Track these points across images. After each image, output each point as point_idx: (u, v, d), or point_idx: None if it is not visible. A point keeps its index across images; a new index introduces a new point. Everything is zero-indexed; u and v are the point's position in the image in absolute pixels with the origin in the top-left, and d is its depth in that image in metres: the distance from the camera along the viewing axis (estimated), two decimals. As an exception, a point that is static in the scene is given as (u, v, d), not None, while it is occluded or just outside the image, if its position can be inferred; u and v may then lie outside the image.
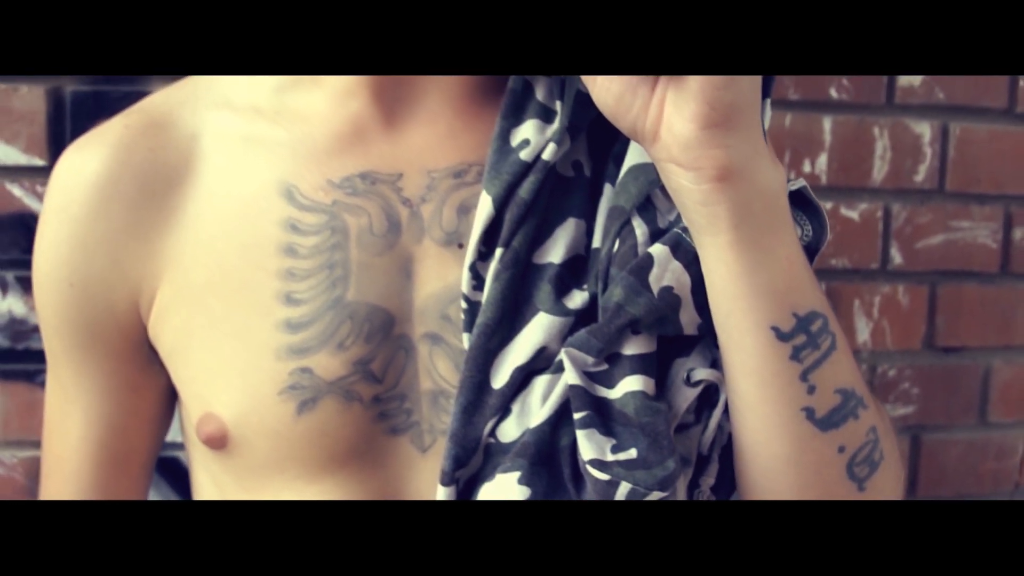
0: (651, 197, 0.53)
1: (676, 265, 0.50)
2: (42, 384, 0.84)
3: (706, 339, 0.53)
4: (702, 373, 0.52)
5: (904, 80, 1.03)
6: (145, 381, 0.61)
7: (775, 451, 0.51)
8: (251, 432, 0.54)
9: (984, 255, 1.10)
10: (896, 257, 1.08)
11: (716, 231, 0.46)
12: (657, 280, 0.49)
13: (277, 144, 0.56)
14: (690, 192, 0.45)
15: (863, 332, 1.07)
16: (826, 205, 1.03)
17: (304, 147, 0.56)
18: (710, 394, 0.53)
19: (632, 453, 0.48)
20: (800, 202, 0.55)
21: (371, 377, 0.54)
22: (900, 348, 1.09)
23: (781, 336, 0.47)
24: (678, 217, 0.53)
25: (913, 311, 1.09)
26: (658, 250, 0.50)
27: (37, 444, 0.84)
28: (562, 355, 0.50)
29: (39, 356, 0.83)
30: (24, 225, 0.83)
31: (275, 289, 0.54)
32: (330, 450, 0.54)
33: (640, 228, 0.52)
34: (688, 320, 0.51)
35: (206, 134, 0.58)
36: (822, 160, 1.02)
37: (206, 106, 0.59)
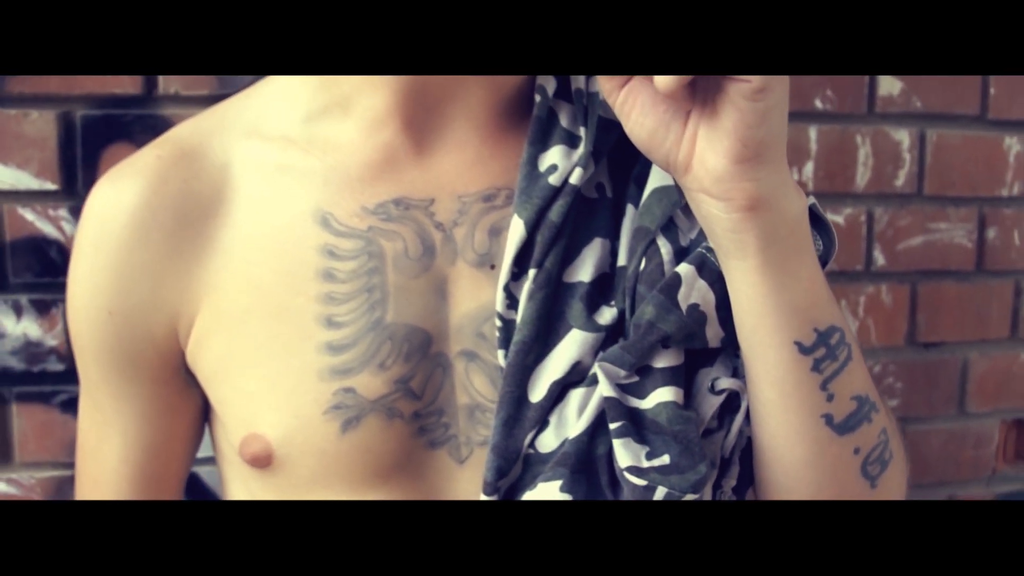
0: (673, 217, 0.56)
1: (702, 284, 0.53)
2: (59, 405, 0.85)
3: (728, 350, 0.56)
4: (725, 382, 0.55)
5: (884, 89, 1.06)
6: (181, 404, 0.63)
7: (796, 454, 0.54)
8: (296, 451, 0.56)
9: (960, 254, 1.14)
10: (879, 259, 1.12)
11: (744, 255, 0.49)
12: (685, 298, 0.52)
13: (310, 173, 0.58)
14: (720, 220, 0.48)
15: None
16: (812, 210, 1.07)
17: (337, 175, 0.57)
18: (732, 401, 0.57)
19: (665, 459, 0.51)
20: (811, 218, 0.58)
21: (411, 394, 0.56)
22: (884, 345, 1.13)
23: (803, 350, 0.51)
24: (699, 235, 0.56)
25: (896, 309, 1.13)
26: (685, 270, 0.53)
27: (55, 464, 0.86)
28: (596, 369, 0.53)
29: (55, 378, 0.85)
30: (37, 249, 0.83)
31: (316, 313, 0.56)
32: (373, 465, 0.56)
33: (665, 247, 0.55)
34: (712, 334, 0.54)
35: (237, 163, 0.59)
36: (808, 168, 1.05)
37: (235, 136, 0.60)
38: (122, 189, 0.58)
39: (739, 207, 0.47)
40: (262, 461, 0.57)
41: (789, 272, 0.50)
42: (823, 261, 0.58)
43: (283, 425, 0.56)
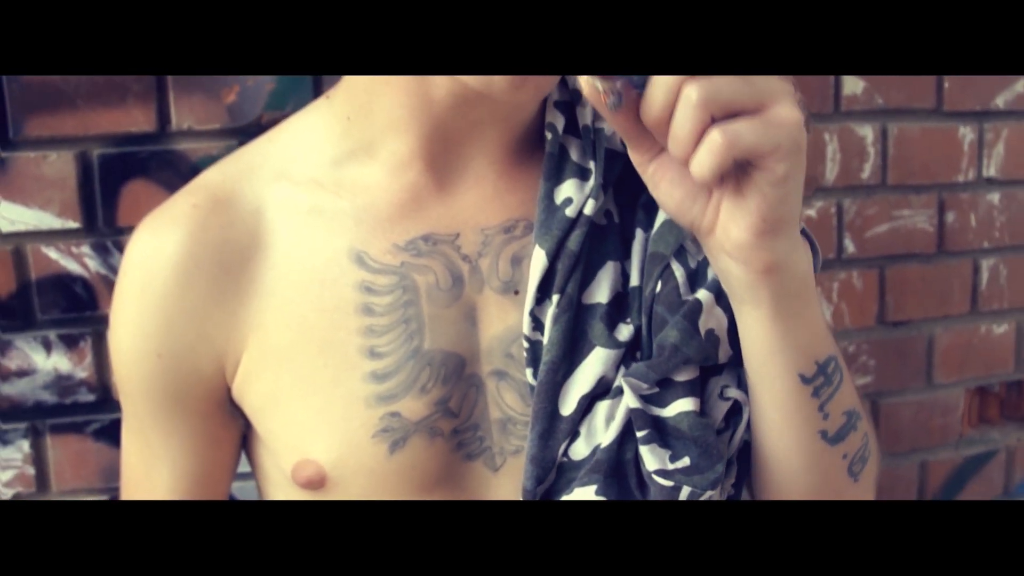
0: (683, 243, 0.62)
1: (719, 311, 0.59)
2: (91, 434, 0.89)
3: (734, 362, 0.62)
4: (733, 392, 0.61)
5: (848, 89, 1.13)
6: (225, 435, 0.67)
7: (794, 463, 0.61)
8: (349, 472, 0.60)
9: (923, 238, 1.22)
10: (849, 247, 1.19)
11: (757, 306, 0.55)
12: (704, 324, 0.59)
13: (342, 214, 0.62)
14: (738, 277, 0.54)
15: (825, 315, 1.16)
16: (786, 205, 1.13)
17: (368, 215, 0.62)
18: (736, 405, 0.63)
19: (686, 461, 0.58)
20: None
21: (450, 413, 0.61)
22: (857, 326, 1.20)
23: (805, 380, 0.57)
24: (706, 259, 0.62)
25: (866, 292, 1.20)
26: (705, 297, 0.59)
27: (90, 491, 0.90)
28: (623, 383, 0.59)
29: (86, 408, 0.89)
30: (63, 286, 0.87)
31: (358, 345, 0.60)
32: (418, 480, 0.61)
33: (679, 271, 0.61)
34: (723, 353, 0.60)
35: (270, 207, 0.63)
36: None
37: (264, 180, 0.64)
38: (164, 238, 0.62)
39: (756, 270, 0.52)
40: (315, 483, 0.61)
41: (796, 318, 0.55)
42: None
43: (335, 450, 0.60)
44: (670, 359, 0.58)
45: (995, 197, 1.26)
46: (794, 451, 0.59)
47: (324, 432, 0.61)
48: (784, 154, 0.47)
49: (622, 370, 0.60)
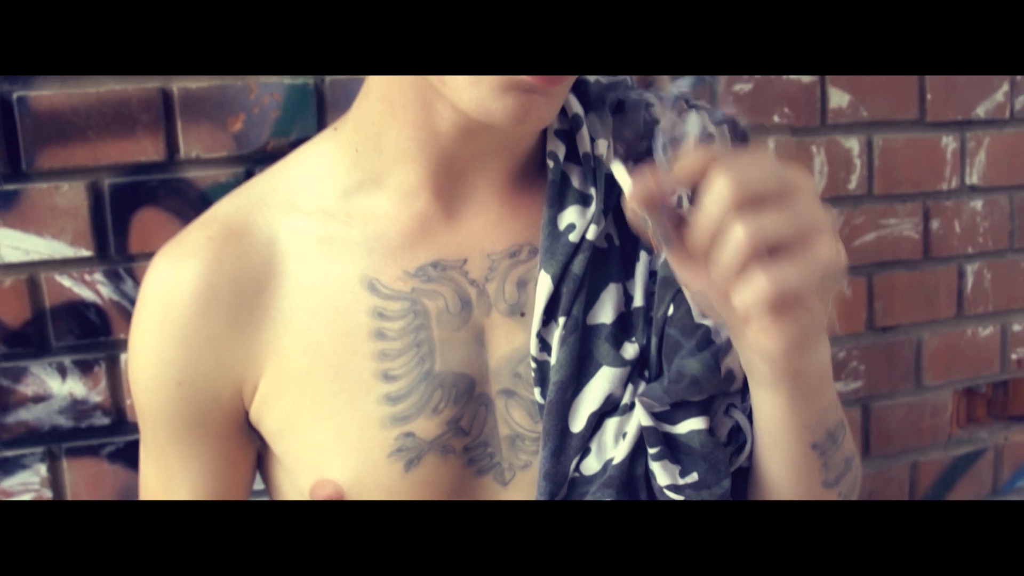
0: None
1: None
2: (107, 457, 0.91)
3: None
4: (737, 414, 0.64)
5: (834, 102, 1.15)
6: (242, 455, 0.69)
7: (791, 496, 0.64)
8: (366, 491, 0.63)
9: (909, 245, 1.24)
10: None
11: (776, 392, 0.57)
12: (727, 364, 0.61)
13: (353, 243, 0.64)
14: (760, 371, 0.56)
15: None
16: (776, 217, 1.16)
17: (379, 244, 0.64)
18: (737, 425, 0.66)
19: (695, 476, 0.61)
20: None
21: (461, 432, 0.63)
22: (847, 332, 1.23)
23: (815, 447, 0.60)
24: None
25: (855, 299, 1.22)
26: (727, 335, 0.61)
27: (107, 509, 0.92)
28: (637, 403, 0.61)
29: (101, 431, 0.91)
30: (77, 313, 0.89)
31: (372, 369, 0.63)
32: (432, 496, 0.63)
33: (689, 296, 0.63)
34: (736, 387, 0.63)
35: (282, 237, 0.65)
36: None
37: (275, 211, 0.66)
38: (181, 270, 0.64)
39: (780, 371, 0.54)
40: (334, 501, 0.64)
41: (812, 397, 0.58)
42: None
43: (352, 470, 0.63)
44: (689, 389, 0.61)
45: (978, 204, 1.28)
46: (794, 494, 0.63)
47: (341, 452, 0.63)
48: (824, 292, 0.49)
49: (630, 388, 0.63)
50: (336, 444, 0.63)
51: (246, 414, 0.67)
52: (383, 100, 0.63)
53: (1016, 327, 1.35)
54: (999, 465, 1.39)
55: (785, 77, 1.11)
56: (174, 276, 0.64)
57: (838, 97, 1.15)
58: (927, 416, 1.31)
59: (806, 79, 1.13)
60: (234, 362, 0.64)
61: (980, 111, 1.26)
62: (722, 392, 0.63)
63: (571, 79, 0.59)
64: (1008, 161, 1.29)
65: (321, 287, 0.64)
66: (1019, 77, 1.27)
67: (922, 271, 1.27)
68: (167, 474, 0.69)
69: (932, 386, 1.31)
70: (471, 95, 0.56)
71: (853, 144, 1.19)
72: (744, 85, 1.09)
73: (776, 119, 1.13)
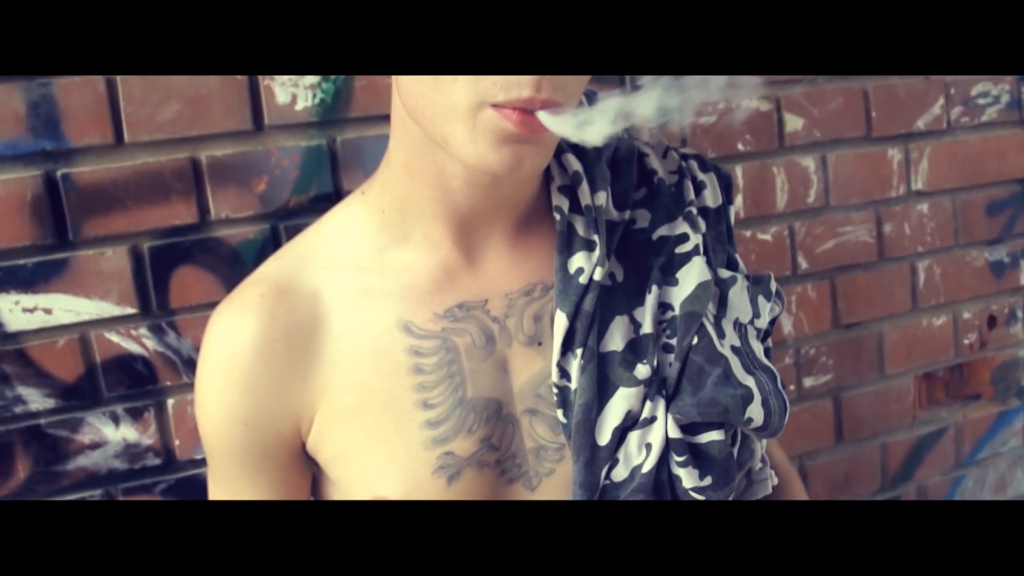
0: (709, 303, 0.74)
1: (760, 411, 0.71)
2: (160, 493, 0.99)
3: None
4: (747, 430, 0.74)
5: (790, 127, 1.23)
6: (301, 480, 0.77)
7: None
8: None
9: (865, 249, 1.32)
10: (802, 263, 1.28)
11: None
12: (750, 409, 0.71)
13: (388, 292, 0.72)
14: None
15: (787, 325, 1.27)
16: (745, 233, 1.23)
17: (411, 292, 0.72)
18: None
19: (710, 479, 0.70)
20: (766, 288, 0.77)
21: (493, 447, 0.72)
22: (815, 331, 1.30)
23: None
24: (719, 310, 0.75)
25: (820, 301, 1.30)
26: (752, 383, 0.72)
27: (162, 541, 1.00)
28: (661, 417, 0.70)
29: (153, 471, 0.98)
30: (126, 365, 0.96)
31: (413, 399, 0.71)
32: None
33: (710, 329, 0.72)
34: (754, 424, 0.72)
35: (325, 292, 0.72)
36: (738, 200, 1.20)
37: (316, 269, 0.73)
38: (240, 324, 0.71)
39: None
40: (388, 516, 0.73)
41: None
42: (778, 317, 0.78)
43: (402, 487, 0.71)
44: (720, 415, 0.70)
45: (924, 207, 1.36)
46: None
47: (392, 473, 0.71)
48: None
49: (648, 404, 0.71)
50: (387, 466, 0.71)
51: (303, 445, 0.74)
52: (403, 167, 0.72)
53: (966, 315, 1.43)
54: (960, 441, 1.46)
55: (744, 106, 1.19)
56: (234, 330, 0.72)
57: (793, 122, 1.23)
58: (892, 401, 1.39)
59: (764, 107, 1.23)
60: (291, 402, 0.72)
61: (920, 124, 1.34)
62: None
63: (553, 140, 0.66)
64: (948, 167, 1.37)
65: (363, 332, 0.72)
66: (953, 91, 1.35)
67: (878, 271, 1.34)
68: (235, 499, 0.76)
69: (895, 374, 1.39)
70: (471, 150, 0.63)
71: (809, 162, 1.26)
72: (708, 118, 1.18)
73: (740, 147, 1.21)
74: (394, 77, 0.69)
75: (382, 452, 0.72)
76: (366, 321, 0.72)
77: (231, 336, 0.72)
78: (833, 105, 1.27)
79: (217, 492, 0.78)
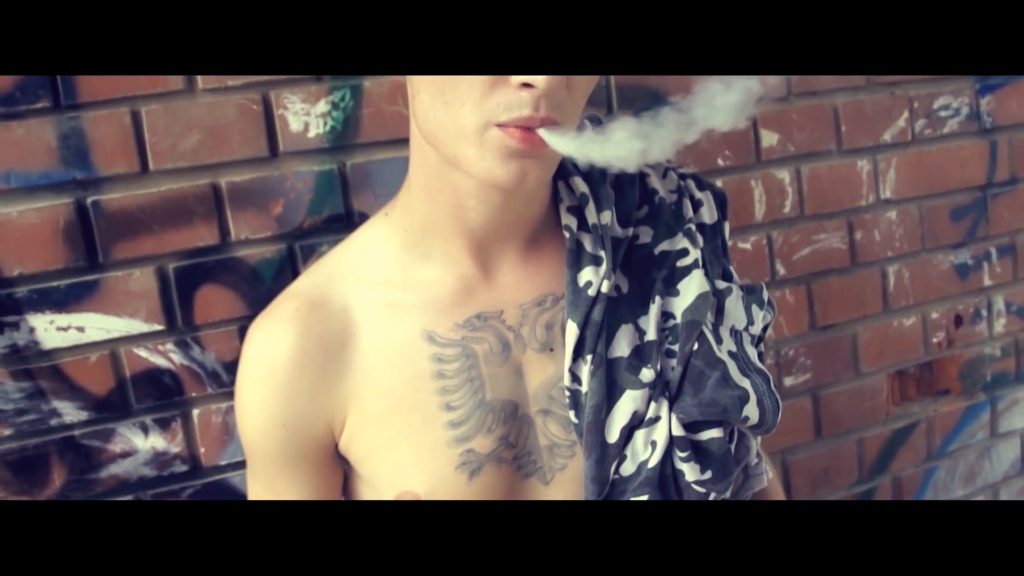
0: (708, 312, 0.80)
1: (755, 411, 0.78)
2: (187, 497, 1.05)
3: None
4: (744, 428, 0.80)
5: (766, 142, 1.28)
6: (334, 477, 0.83)
7: None
8: (439, 497, 0.77)
9: (839, 255, 1.37)
10: (780, 269, 1.33)
11: None
12: (746, 408, 0.77)
13: (412, 305, 0.78)
14: None
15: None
16: (727, 242, 1.31)
17: (433, 304, 0.78)
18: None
19: (710, 473, 0.76)
20: (759, 298, 0.84)
21: (510, 445, 0.78)
22: (794, 334, 1.36)
23: None
24: (717, 318, 0.81)
25: (798, 305, 1.35)
26: (749, 384, 0.78)
27: (190, 545, 1.05)
28: (665, 416, 0.76)
29: (181, 477, 1.04)
30: (154, 379, 1.01)
31: (437, 402, 0.77)
32: (491, 498, 0.78)
33: (709, 335, 0.78)
34: (750, 422, 0.79)
35: (354, 305, 0.78)
36: None
37: (346, 284, 0.79)
38: (278, 336, 0.77)
39: None
40: (414, 509, 0.79)
41: None
42: (768, 324, 0.85)
43: (428, 482, 0.77)
44: (720, 414, 0.76)
45: (892, 214, 1.41)
46: None
47: (418, 470, 0.77)
48: None
49: (653, 405, 0.76)
50: (414, 463, 0.77)
51: (336, 446, 0.80)
52: (423, 190, 0.78)
53: (934, 315, 1.48)
54: (932, 434, 1.51)
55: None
56: (272, 341, 0.77)
57: (769, 137, 1.29)
58: (867, 398, 1.44)
59: (741, 124, 1.29)
60: (325, 406, 0.78)
61: (887, 136, 1.39)
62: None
63: (555, 155, 0.71)
64: (914, 176, 1.43)
65: (390, 342, 0.78)
66: (916, 105, 1.41)
67: (851, 276, 1.39)
68: (274, 496, 0.81)
69: (868, 372, 1.43)
70: (481, 166, 0.69)
71: (784, 175, 1.31)
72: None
73: (720, 162, 1.27)
74: (411, 107, 0.75)
75: (409, 450, 0.78)
76: (393, 332, 0.78)
77: (269, 346, 0.78)
78: (806, 121, 1.33)
79: (256, 488, 0.83)
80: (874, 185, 1.40)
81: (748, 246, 1.31)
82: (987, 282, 1.54)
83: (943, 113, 1.45)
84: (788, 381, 1.37)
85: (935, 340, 1.50)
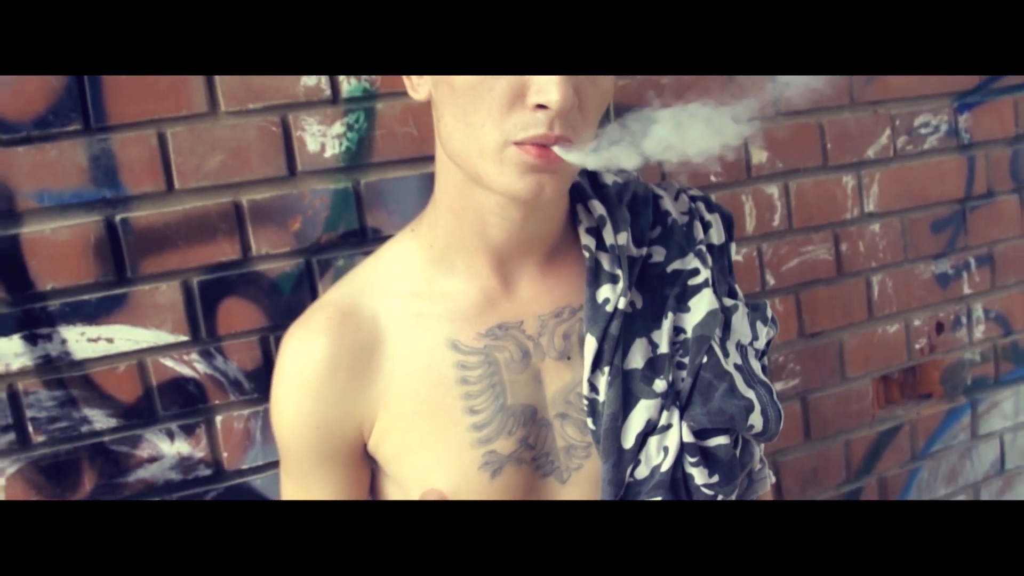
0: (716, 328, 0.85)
1: (760, 419, 0.83)
2: (211, 500, 1.09)
3: None
4: (748, 436, 0.86)
5: (755, 159, 1.33)
6: (363, 476, 0.87)
7: None
8: (463, 495, 0.81)
9: (825, 266, 1.42)
10: (770, 280, 1.38)
11: None
12: (751, 418, 0.82)
13: (438, 316, 0.82)
14: None
15: None
16: (720, 253, 1.35)
17: (457, 315, 0.82)
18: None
19: (717, 477, 0.81)
20: (763, 315, 0.89)
21: (529, 447, 0.82)
22: (783, 340, 1.40)
23: None
24: (724, 332, 0.85)
25: (787, 314, 1.40)
26: (754, 395, 0.83)
27: (214, 547, 1.08)
28: (676, 424, 0.80)
29: (205, 480, 1.08)
30: (179, 387, 1.05)
31: (461, 406, 0.81)
32: (511, 496, 0.83)
33: (717, 349, 0.83)
34: (755, 431, 0.84)
35: (383, 315, 0.82)
36: None
37: (375, 296, 0.83)
38: (311, 343, 0.81)
39: None
40: (439, 506, 0.84)
41: None
42: (771, 339, 0.90)
43: (453, 480, 0.81)
44: (727, 422, 0.81)
45: (876, 227, 1.45)
46: None
47: (443, 469, 0.82)
48: None
49: (665, 414, 0.81)
50: (439, 463, 0.82)
51: (365, 446, 0.84)
52: (448, 207, 0.83)
53: (916, 322, 1.52)
54: (915, 436, 1.55)
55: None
56: (306, 348, 0.82)
57: (758, 154, 1.33)
58: (853, 402, 1.47)
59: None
60: (355, 409, 0.82)
61: (870, 153, 1.43)
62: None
63: (569, 170, 0.75)
64: (896, 190, 1.47)
65: (417, 350, 0.82)
66: (898, 122, 1.45)
67: (837, 285, 1.43)
68: (306, 493, 0.86)
69: (854, 377, 1.47)
70: (500, 182, 0.73)
71: (773, 190, 1.36)
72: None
73: (712, 178, 1.31)
74: (436, 130, 0.80)
75: (434, 451, 0.82)
76: (419, 340, 0.83)
77: (303, 353, 0.82)
78: (793, 138, 1.37)
79: (289, 485, 0.88)
80: (858, 199, 1.44)
81: (739, 258, 1.35)
82: (966, 290, 1.57)
83: (923, 130, 1.48)
84: (778, 386, 1.41)
85: (918, 346, 1.53)
